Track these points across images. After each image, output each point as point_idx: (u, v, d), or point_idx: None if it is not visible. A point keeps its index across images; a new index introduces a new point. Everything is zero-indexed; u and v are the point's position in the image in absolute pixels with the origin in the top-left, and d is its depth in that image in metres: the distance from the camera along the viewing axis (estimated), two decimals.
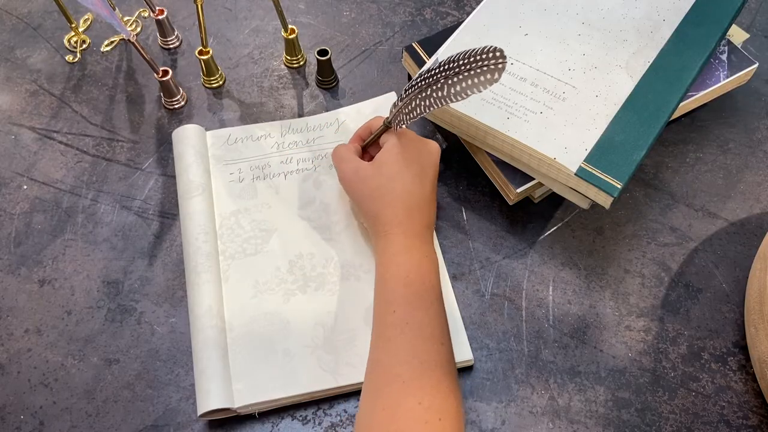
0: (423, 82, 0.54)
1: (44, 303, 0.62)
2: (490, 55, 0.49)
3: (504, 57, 0.49)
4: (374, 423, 0.48)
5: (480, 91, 0.52)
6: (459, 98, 0.53)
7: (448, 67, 0.52)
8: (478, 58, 0.50)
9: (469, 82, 0.51)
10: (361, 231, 0.64)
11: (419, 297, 0.53)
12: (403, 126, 0.59)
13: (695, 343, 0.59)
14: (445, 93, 0.53)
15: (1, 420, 0.56)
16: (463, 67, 0.51)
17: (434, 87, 0.54)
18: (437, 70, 0.53)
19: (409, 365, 0.50)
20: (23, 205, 0.67)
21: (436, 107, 0.55)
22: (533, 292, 0.61)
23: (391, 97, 0.73)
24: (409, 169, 0.58)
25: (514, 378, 0.57)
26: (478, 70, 0.50)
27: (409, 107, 0.57)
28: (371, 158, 0.63)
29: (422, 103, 0.55)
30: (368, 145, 0.63)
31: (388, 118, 0.60)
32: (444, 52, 0.64)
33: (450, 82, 0.52)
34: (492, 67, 0.50)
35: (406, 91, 0.56)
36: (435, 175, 0.60)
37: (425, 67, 0.57)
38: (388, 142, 0.59)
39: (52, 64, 0.77)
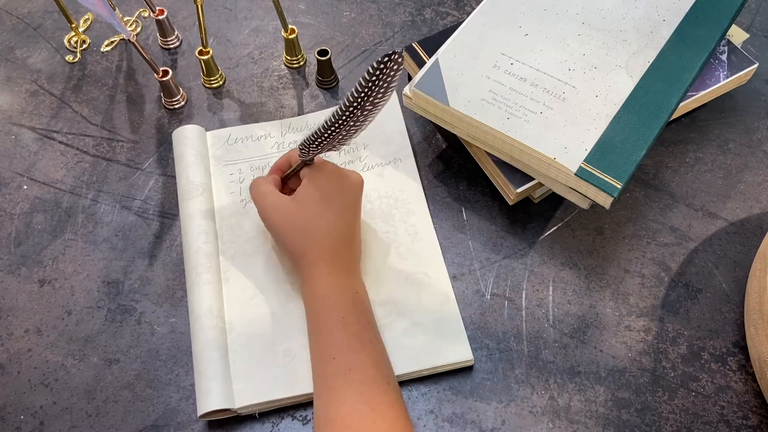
0: (340, 119, 0.51)
1: (44, 303, 0.62)
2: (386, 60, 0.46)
3: (401, 55, 0.45)
4: None
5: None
6: (371, 118, 0.50)
7: (362, 94, 0.48)
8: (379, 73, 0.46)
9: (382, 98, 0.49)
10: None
11: (358, 339, 0.50)
12: (322, 156, 0.56)
13: (695, 343, 0.59)
14: (360, 120, 0.50)
15: (1, 420, 0.56)
16: (373, 89, 0.47)
17: (350, 118, 0.50)
18: (353, 103, 0.49)
19: (359, 413, 0.47)
20: (23, 205, 0.67)
21: (353, 135, 0.52)
22: (533, 292, 0.61)
23: (391, 97, 0.72)
24: (332, 206, 0.55)
25: (514, 378, 0.57)
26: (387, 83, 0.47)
27: (328, 140, 0.53)
28: (291, 191, 0.59)
29: (339, 134, 0.52)
30: (288, 178, 0.60)
31: (306, 154, 0.55)
32: (444, 53, 0.64)
33: (366, 109, 0.49)
34: (395, 68, 0.46)
35: (325, 129, 0.52)
36: (358, 209, 0.58)
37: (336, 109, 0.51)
38: (308, 176, 0.56)
39: (52, 64, 0.77)
